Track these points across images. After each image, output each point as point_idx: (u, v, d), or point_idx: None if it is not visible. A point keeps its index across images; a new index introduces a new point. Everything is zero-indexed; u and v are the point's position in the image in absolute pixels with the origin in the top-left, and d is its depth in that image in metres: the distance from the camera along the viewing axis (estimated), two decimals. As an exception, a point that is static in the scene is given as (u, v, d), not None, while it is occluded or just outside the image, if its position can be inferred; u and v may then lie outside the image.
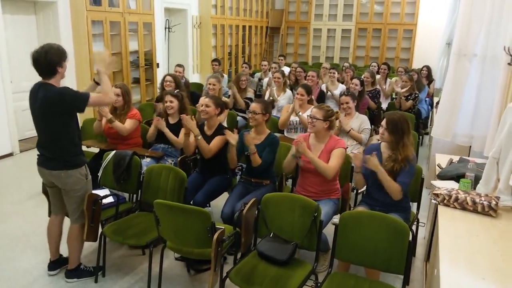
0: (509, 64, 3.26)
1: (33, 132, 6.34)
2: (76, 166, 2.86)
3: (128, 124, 4.04)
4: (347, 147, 3.95)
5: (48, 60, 2.66)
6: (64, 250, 3.18)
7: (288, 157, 3.31)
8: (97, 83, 3.02)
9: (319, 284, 2.49)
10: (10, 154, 5.91)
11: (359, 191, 3.56)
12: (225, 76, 7.32)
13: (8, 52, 5.82)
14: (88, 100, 2.77)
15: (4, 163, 5.68)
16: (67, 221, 3.10)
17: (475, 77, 3.77)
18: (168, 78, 5.07)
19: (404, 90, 6.20)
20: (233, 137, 3.36)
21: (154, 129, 4.07)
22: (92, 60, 2.82)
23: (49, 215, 3.18)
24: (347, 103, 4.52)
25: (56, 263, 3.19)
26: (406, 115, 3.08)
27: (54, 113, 2.72)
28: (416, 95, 6.30)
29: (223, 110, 3.82)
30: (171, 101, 4.06)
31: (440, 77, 7.37)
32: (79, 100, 2.75)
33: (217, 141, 3.59)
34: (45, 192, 3.17)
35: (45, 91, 2.70)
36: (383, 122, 3.02)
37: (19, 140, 6.10)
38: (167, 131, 3.96)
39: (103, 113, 3.91)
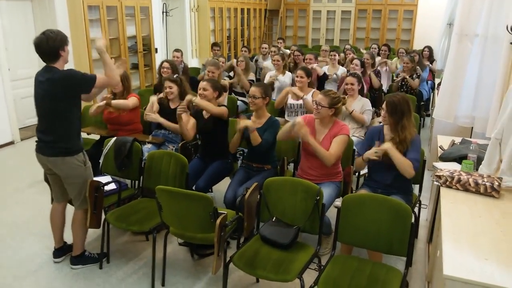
0: (511, 43, 3.22)
1: (33, 120, 6.37)
2: (72, 153, 2.85)
3: (130, 100, 4.04)
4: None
5: (50, 45, 2.67)
6: (68, 238, 3.20)
7: (286, 126, 3.20)
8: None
9: (322, 267, 2.50)
10: (11, 143, 5.90)
11: (361, 173, 3.55)
12: (224, 60, 7.25)
13: (5, 40, 5.76)
14: (95, 81, 2.77)
15: (6, 152, 5.68)
16: (70, 208, 3.11)
17: (477, 58, 3.73)
18: (165, 64, 5.03)
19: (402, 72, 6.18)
20: (245, 122, 3.30)
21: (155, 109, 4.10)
22: (91, 44, 2.85)
23: (52, 202, 3.19)
24: (352, 84, 4.47)
25: (61, 251, 3.21)
26: (407, 97, 3.05)
27: (60, 95, 2.72)
28: (418, 74, 6.27)
29: (221, 93, 3.80)
30: (170, 87, 4.05)
31: (441, 58, 7.29)
32: (86, 82, 2.77)
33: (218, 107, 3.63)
34: (46, 180, 3.16)
35: (52, 73, 2.70)
36: (384, 105, 3.00)
37: (19, 128, 6.09)
38: (163, 121, 3.94)
39: (104, 100, 3.90)
